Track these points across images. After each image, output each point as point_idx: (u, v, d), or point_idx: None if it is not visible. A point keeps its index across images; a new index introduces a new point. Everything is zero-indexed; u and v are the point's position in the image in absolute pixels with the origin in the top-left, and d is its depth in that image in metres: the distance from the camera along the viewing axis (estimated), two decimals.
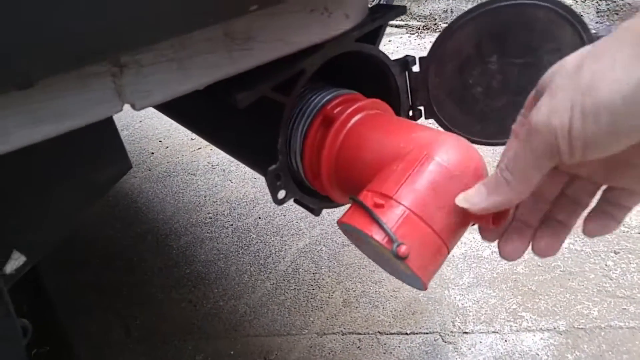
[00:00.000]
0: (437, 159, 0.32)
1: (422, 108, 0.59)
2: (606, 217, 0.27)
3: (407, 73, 0.58)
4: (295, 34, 0.48)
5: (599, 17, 2.08)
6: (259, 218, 1.18)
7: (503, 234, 0.30)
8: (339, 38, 0.51)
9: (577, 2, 2.13)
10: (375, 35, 0.57)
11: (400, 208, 0.31)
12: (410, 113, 0.61)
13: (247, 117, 0.52)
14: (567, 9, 0.50)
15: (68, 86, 0.34)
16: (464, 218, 0.31)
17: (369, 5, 0.56)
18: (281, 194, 0.53)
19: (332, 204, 0.59)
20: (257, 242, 1.09)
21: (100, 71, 0.34)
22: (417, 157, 0.33)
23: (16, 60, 0.26)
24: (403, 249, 0.29)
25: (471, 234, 1.02)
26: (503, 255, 0.30)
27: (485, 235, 0.32)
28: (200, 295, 0.95)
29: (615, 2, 2.01)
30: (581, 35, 0.50)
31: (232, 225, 1.16)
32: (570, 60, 0.23)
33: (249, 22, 0.42)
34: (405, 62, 0.58)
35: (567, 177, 0.29)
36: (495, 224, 0.29)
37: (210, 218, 1.21)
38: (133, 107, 0.39)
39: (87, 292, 1.00)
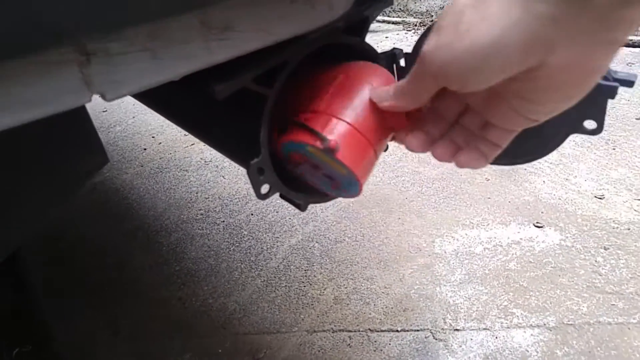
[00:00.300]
0: (350, 74, 0.40)
1: None
2: (477, 152, 0.32)
3: (394, 66, 0.57)
4: (276, 24, 0.46)
5: None
6: (251, 214, 1.17)
7: (412, 132, 0.35)
8: (323, 29, 0.50)
9: None
10: (362, 27, 0.55)
11: (324, 116, 0.37)
12: None
13: (228, 109, 0.51)
14: None
15: (31, 74, 0.32)
16: (381, 120, 0.37)
17: None
18: (264, 188, 0.51)
19: (318, 198, 0.58)
20: (248, 238, 1.08)
21: (65, 59, 0.33)
22: (336, 77, 0.41)
23: None
24: (332, 142, 0.34)
25: (464, 230, 1.01)
26: (408, 146, 0.35)
27: (400, 136, 0.37)
28: (190, 292, 0.94)
29: None
30: None
31: (223, 221, 1.15)
32: (457, 2, 0.26)
33: (226, 11, 0.40)
34: (393, 55, 0.57)
35: (462, 104, 0.33)
36: (408, 122, 0.35)
37: (202, 214, 1.19)
38: (103, 97, 0.37)
39: (75, 290, 0.99)
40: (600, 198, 1.05)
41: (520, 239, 0.96)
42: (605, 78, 0.43)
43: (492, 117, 0.30)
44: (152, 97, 0.50)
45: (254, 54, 0.45)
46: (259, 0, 0.41)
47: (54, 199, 0.42)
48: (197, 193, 1.29)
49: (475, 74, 0.24)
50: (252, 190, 0.50)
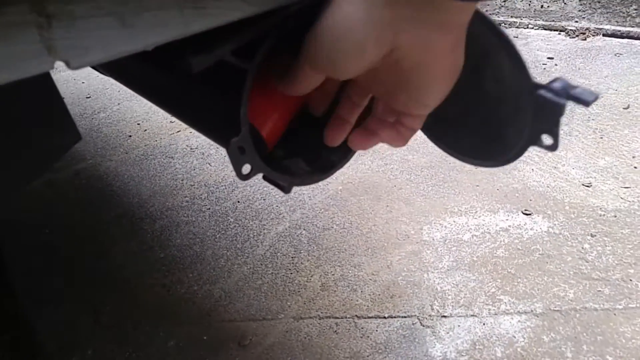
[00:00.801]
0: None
1: None
2: (395, 131, 0.34)
3: None
4: None
5: (581, 5, 2.08)
6: (238, 202, 1.15)
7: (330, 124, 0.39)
8: (305, 2, 0.48)
9: None
10: None
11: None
12: None
13: (206, 85, 0.49)
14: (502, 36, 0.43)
15: None
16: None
17: None
18: (245, 168, 0.49)
19: (303, 180, 0.56)
20: (235, 226, 1.06)
21: (21, 20, 0.30)
22: None
23: None
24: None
25: (452, 218, 1.01)
26: (327, 137, 0.40)
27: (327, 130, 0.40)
28: (175, 280, 0.92)
29: None
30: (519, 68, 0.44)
31: (209, 209, 1.13)
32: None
33: None
34: None
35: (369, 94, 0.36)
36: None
37: (187, 202, 1.17)
38: (67, 65, 0.35)
39: (57, 278, 0.96)
40: (587, 186, 1.05)
41: (509, 226, 0.96)
42: (558, 93, 0.40)
43: (394, 104, 0.32)
44: (127, 73, 0.48)
45: (233, 25, 0.42)
46: None
47: (23, 174, 0.40)
48: (182, 180, 1.27)
49: (333, 54, 0.26)
50: (238, 178, 0.48)
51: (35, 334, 0.63)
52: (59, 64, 0.33)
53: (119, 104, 1.81)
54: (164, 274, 0.94)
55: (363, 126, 0.36)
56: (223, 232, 1.04)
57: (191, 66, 0.41)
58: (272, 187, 0.49)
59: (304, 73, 0.31)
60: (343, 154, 0.57)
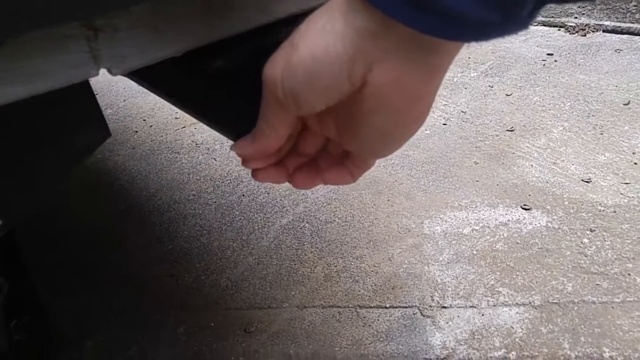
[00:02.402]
0: None
1: None
2: (344, 170, 0.31)
3: None
4: (274, 3, 0.47)
5: (581, 1, 2.08)
6: (243, 196, 1.17)
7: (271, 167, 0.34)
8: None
9: None
10: None
11: None
12: None
13: (227, 87, 0.52)
14: None
15: (41, 47, 0.33)
16: None
17: None
18: None
19: None
20: (240, 219, 1.08)
21: (74, 34, 0.33)
22: None
23: None
24: None
25: (452, 212, 1.03)
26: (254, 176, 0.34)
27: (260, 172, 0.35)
28: (183, 270, 0.95)
29: None
30: None
31: (215, 202, 1.16)
32: (301, 23, 0.26)
33: None
34: None
35: (322, 139, 0.32)
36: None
37: (194, 195, 1.20)
38: (109, 71, 0.38)
39: (68, 270, 0.99)
40: (587, 182, 1.07)
41: (508, 220, 0.98)
42: None
43: (348, 146, 0.29)
44: (151, 76, 0.51)
45: (251, 32, 0.45)
46: None
47: (59, 171, 0.43)
48: (188, 175, 1.29)
49: (308, 87, 0.23)
50: (243, 172, 0.50)
51: (51, 318, 0.66)
52: (102, 71, 0.36)
53: (124, 100, 1.83)
54: (173, 265, 0.97)
55: (310, 165, 0.33)
56: (229, 224, 1.07)
57: (214, 70, 0.44)
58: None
59: (273, 113, 0.28)
60: None
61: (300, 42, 0.23)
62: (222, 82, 0.48)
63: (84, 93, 0.38)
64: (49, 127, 0.39)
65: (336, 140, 0.30)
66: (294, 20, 0.51)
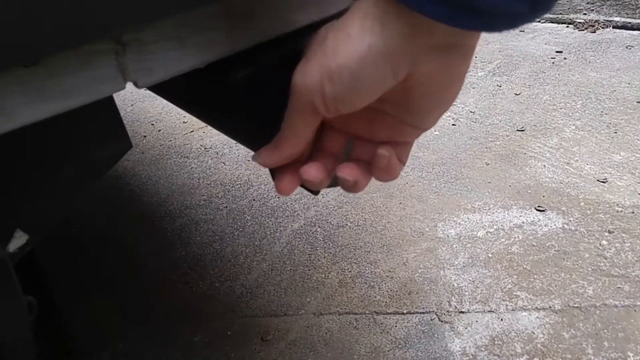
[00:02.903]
0: None
1: None
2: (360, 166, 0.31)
3: None
4: (295, 12, 0.46)
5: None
6: (254, 200, 1.17)
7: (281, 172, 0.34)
8: (339, 16, 0.50)
9: None
10: None
11: None
12: None
13: (249, 97, 0.51)
14: None
15: (73, 64, 0.33)
16: None
17: None
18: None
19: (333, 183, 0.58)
20: (251, 224, 1.08)
21: (104, 49, 0.33)
22: None
23: (23, 36, 0.25)
24: None
25: (466, 215, 1.02)
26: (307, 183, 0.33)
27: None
28: (197, 277, 0.95)
29: None
30: None
31: (226, 207, 1.15)
32: (321, 31, 0.27)
33: (250, 0, 0.40)
34: None
35: (347, 136, 0.32)
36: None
37: (205, 200, 1.19)
38: (136, 85, 0.38)
39: (83, 277, 0.99)
40: (603, 182, 1.06)
41: (523, 222, 0.97)
42: None
43: (382, 136, 0.30)
44: (173, 87, 0.50)
45: (274, 40, 0.45)
46: None
47: (82, 183, 0.43)
48: (199, 179, 1.29)
49: (354, 90, 0.25)
50: (253, 176, 0.50)
51: (69, 328, 0.66)
52: (129, 84, 0.36)
53: (132, 105, 1.84)
54: (186, 271, 0.96)
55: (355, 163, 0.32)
56: (241, 229, 1.07)
57: (237, 80, 0.44)
58: None
59: (302, 118, 0.28)
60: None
61: (339, 47, 0.24)
62: (244, 93, 0.48)
63: (107, 105, 0.38)
64: (71, 140, 0.39)
65: (368, 135, 0.31)
66: (314, 28, 0.51)
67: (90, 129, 0.38)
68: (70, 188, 0.39)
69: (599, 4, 2.05)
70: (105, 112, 0.38)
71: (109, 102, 0.37)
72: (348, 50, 0.24)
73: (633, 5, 1.94)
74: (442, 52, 0.23)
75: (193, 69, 0.40)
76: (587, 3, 2.07)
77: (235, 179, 1.27)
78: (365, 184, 0.31)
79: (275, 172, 0.37)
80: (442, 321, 0.79)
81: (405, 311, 0.81)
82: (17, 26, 0.24)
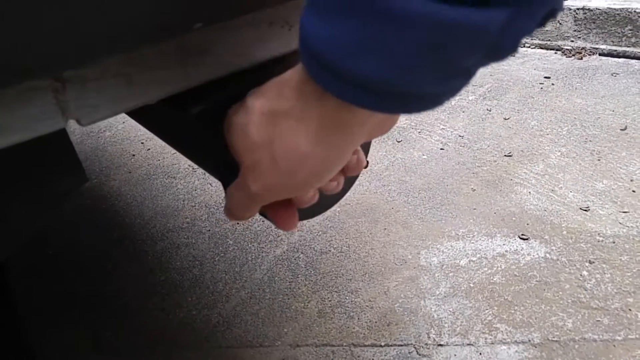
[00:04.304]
0: None
1: None
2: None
3: None
4: (253, 47, 0.46)
5: (576, 25, 2.10)
6: (237, 223, 1.16)
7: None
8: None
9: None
10: None
11: None
12: None
13: (206, 128, 0.51)
14: None
15: (7, 100, 0.32)
16: None
17: None
18: None
19: (303, 216, 0.58)
20: (233, 248, 1.07)
21: (40, 86, 0.32)
22: None
23: None
24: None
25: (449, 242, 1.01)
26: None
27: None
28: (174, 303, 0.93)
29: (592, 10, 2.03)
30: None
31: (209, 230, 1.14)
32: (259, 106, 0.28)
33: (203, 36, 0.40)
34: None
35: None
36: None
37: (188, 223, 1.18)
38: (79, 122, 0.37)
39: (57, 301, 0.97)
40: (585, 210, 1.06)
41: (506, 251, 0.97)
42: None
43: None
44: (131, 113, 0.50)
45: (234, 75, 0.44)
46: (236, 25, 0.41)
47: (33, 217, 0.42)
48: (184, 201, 1.28)
49: (296, 183, 0.27)
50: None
51: (37, 357, 0.64)
52: (71, 122, 0.35)
53: (123, 122, 1.84)
54: (164, 298, 0.95)
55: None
56: (222, 254, 1.05)
57: (193, 116, 0.43)
58: None
59: (245, 207, 0.32)
60: (340, 195, 0.60)
61: (289, 147, 0.26)
62: (201, 127, 0.47)
63: (59, 139, 0.38)
64: (15, 175, 0.38)
65: None
66: (274, 62, 0.51)
67: (40, 163, 0.37)
68: (18, 222, 0.38)
69: (585, 31, 2.09)
70: (57, 146, 0.37)
71: (61, 135, 0.36)
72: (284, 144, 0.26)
73: (619, 33, 1.99)
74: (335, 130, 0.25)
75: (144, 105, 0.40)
76: (574, 30, 2.12)
77: (221, 201, 1.26)
78: (342, 182, 0.34)
79: (267, 216, 0.38)
80: (420, 355, 0.77)
81: (383, 343, 0.79)
82: None
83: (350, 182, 0.62)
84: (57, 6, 0.25)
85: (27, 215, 0.42)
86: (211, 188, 1.33)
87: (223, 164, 0.50)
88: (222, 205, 1.24)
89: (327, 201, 0.63)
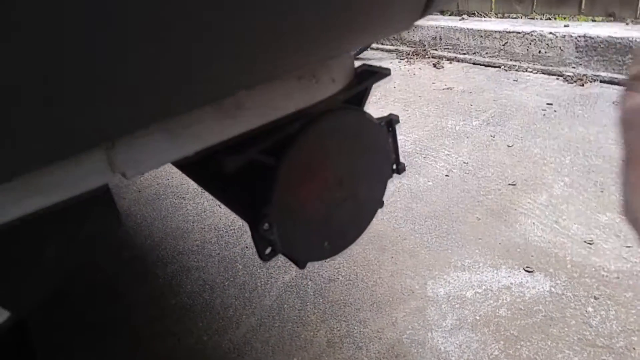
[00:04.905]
0: None
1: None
2: None
3: (391, 129, 0.61)
4: (283, 100, 0.50)
5: (577, 52, 2.15)
6: (246, 247, 1.18)
7: None
8: (325, 102, 0.53)
9: (556, 37, 2.20)
10: (362, 97, 0.59)
11: None
12: (394, 166, 0.65)
13: (238, 176, 0.54)
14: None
15: (62, 163, 0.35)
16: None
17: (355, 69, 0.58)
18: (268, 250, 0.55)
19: (320, 258, 0.61)
20: (243, 273, 1.09)
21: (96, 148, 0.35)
22: None
23: (14, 156, 0.27)
24: None
25: (455, 273, 1.03)
26: None
27: None
28: (185, 328, 0.94)
29: (593, 39, 2.08)
30: None
31: (219, 254, 1.16)
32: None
33: (239, 94, 0.43)
34: (390, 120, 0.61)
35: None
36: None
37: (198, 246, 1.20)
38: (124, 176, 0.40)
39: (68, 325, 0.98)
40: (589, 243, 1.08)
41: (511, 284, 0.98)
42: None
43: None
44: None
45: (262, 127, 0.48)
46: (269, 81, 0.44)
47: (68, 262, 0.44)
48: (193, 222, 1.30)
49: None
50: (260, 259, 0.54)
51: None
52: (117, 175, 0.38)
53: None
54: (175, 322, 0.96)
55: None
56: (232, 279, 1.07)
57: (225, 166, 0.47)
58: None
59: None
60: (358, 234, 0.63)
61: None
62: (235, 176, 0.50)
63: (101, 190, 0.40)
64: (61, 222, 0.41)
65: None
66: (300, 115, 0.55)
67: (81, 211, 0.40)
68: (54, 267, 0.40)
69: (586, 58, 2.13)
70: (99, 195, 0.40)
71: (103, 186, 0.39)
72: None
73: (619, 61, 2.03)
74: None
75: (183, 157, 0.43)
76: (576, 57, 2.16)
77: (230, 224, 1.28)
78: None
79: None
80: None
81: None
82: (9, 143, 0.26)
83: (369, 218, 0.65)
84: (127, 93, 0.27)
85: (61, 260, 0.45)
86: (220, 210, 1.35)
87: (251, 209, 0.52)
88: (231, 228, 1.26)
89: (348, 239, 0.65)
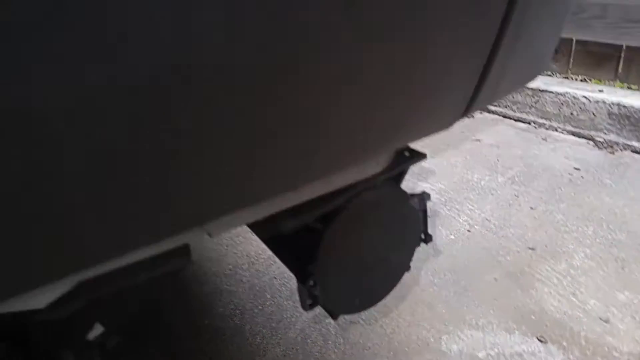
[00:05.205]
0: None
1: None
2: None
3: (422, 204, 0.72)
4: (337, 178, 0.60)
5: (610, 119, 2.19)
6: (274, 278, 1.26)
7: None
8: (370, 179, 0.64)
9: (590, 101, 2.25)
10: (400, 176, 0.69)
11: None
12: (422, 236, 0.76)
13: (290, 236, 0.65)
14: None
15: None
16: None
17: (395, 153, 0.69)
18: (309, 301, 0.65)
19: (348, 311, 0.72)
20: (270, 303, 1.17)
21: None
22: None
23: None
24: None
25: (470, 331, 1.09)
26: None
27: None
28: (216, 349, 1.03)
29: (626, 107, 2.12)
30: None
31: (249, 281, 1.25)
32: None
33: None
34: (422, 196, 0.71)
35: None
36: None
37: (230, 270, 1.30)
38: (209, 235, 0.51)
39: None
40: (605, 321, 1.12)
41: (523, 351, 1.03)
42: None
43: None
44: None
45: (318, 197, 0.58)
46: None
47: (146, 295, 0.55)
48: (227, 247, 1.40)
49: None
50: (302, 308, 0.64)
51: None
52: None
53: None
54: (207, 342, 1.05)
55: None
56: (260, 307, 1.16)
57: (283, 229, 0.57)
58: None
59: None
60: (385, 294, 0.73)
61: None
62: (292, 237, 0.61)
63: None
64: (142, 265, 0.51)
65: None
66: (349, 189, 0.65)
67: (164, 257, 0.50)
68: (130, 300, 0.51)
69: (618, 126, 2.17)
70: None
71: None
72: None
73: None
74: None
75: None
76: (608, 123, 2.21)
77: (260, 252, 1.38)
78: None
79: None
80: None
81: None
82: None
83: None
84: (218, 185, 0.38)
85: (138, 294, 0.56)
86: (252, 237, 1.45)
87: (299, 265, 0.63)
88: (261, 257, 1.35)
89: (376, 297, 0.74)
